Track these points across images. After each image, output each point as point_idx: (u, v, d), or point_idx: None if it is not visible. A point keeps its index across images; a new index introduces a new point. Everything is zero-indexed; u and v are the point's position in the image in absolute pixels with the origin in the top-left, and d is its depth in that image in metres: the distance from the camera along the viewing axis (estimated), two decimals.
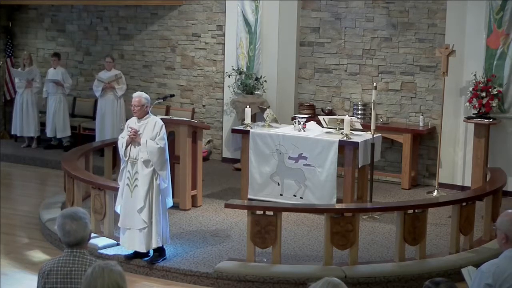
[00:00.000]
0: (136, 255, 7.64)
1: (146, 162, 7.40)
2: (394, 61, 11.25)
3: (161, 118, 8.28)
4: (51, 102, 12.95)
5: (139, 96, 7.53)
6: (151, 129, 7.46)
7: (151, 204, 7.44)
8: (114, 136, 11.49)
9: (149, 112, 7.58)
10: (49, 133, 13.07)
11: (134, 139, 7.41)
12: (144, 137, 7.42)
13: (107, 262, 3.62)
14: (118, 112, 12.30)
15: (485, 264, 4.29)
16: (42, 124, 13.38)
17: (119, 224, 7.67)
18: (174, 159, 9.23)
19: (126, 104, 12.43)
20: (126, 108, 12.39)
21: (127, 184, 7.51)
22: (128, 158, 7.50)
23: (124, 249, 7.76)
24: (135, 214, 7.43)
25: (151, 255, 7.65)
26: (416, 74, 11.13)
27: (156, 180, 7.46)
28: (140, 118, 7.52)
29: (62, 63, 13.25)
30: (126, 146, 7.48)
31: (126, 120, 12.23)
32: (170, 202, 7.77)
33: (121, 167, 7.67)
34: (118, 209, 7.71)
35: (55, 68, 12.99)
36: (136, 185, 7.46)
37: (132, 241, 7.54)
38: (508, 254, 4.25)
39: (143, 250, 7.51)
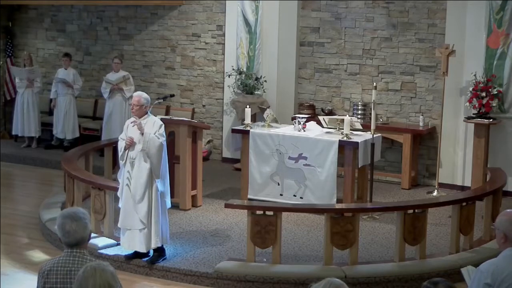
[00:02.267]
0: (136, 255, 7.64)
1: (144, 153, 7.38)
2: (394, 61, 11.25)
3: (161, 118, 8.30)
4: (62, 103, 12.94)
5: (138, 96, 7.55)
6: (150, 128, 7.46)
7: (150, 205, 7.44)
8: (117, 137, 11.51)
9: (148, 112, 7.58)
10: (59, 134, 13.06)
11: (139, 128, 7.41)
12: (143, 139, 7.43)
13: (99, 262, 3.62)
14: (126, 114, 12.26)
15: (484, 263, 4.28)
16: (43, 124, 13.39)
17: (119, 225, 7.68)
18: (174, 159, 9.23)
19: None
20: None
21: (127, 185, 7.52)
22: (126, 159, 7.50)
23: (124, 249, 7.76)
24: (135, 215, 7.44)
25: (151, 255, 7.65)
26: (416, 74, 11.13)
27: (155, 180, 7.46)
28: (139, 117, 7.53)
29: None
30: (124, 150, 7.49)
31: None
32: (168, 203, 7.77)
33: (121, 167, 7.69)
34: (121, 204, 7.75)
35: (66, 69, 12.98)
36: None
37: (132, 241, 7.55)
38: (507, 254, 4.25)
39: (143, 250, 7.52)
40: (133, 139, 7.44)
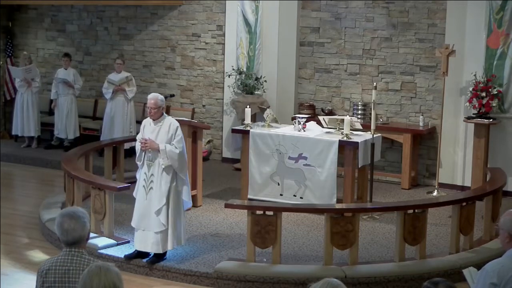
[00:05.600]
0: (137, 255, 7.63)
1: (167, 169, 7.37)
2: (394, 61, 11.25)
3: None
4: (63, 103, 12.94)
5: (155, 98, 7.46)
6: (166, 131, 7.43)
7: (168, 207, 7.44)
8: (116, 138, 11.51)
9: (164, 113, 7.55)
10: (61, 134, 13.05)
11: (148, 148, 7.39)
12: (160, 141, 7.39)
13: (103, 262, 3.62)
14: (128, 115, 12.27)
15: (489, 263, 4.27)
16: (43, 124, 13.39)
17: (132, 224, 7.66)
18: None
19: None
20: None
21: (143, 186, 7.50)
22: (144, 160, 7.49)
23: (135, 248, 7.72)
24: (152, 216, 7.42)
25: (151, 255, 7.63)
26: (416, 74, 11.13)
27: (173, 182, 7.46)
28: (156, 119, 7.49)
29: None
30: (141, 151, 7.48)
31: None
32: (189, 203, 7.82)
33: (139, 167, 7.66)
34: None
35: (66, 69, 12.98)
36: (151, 188, 7.45)
37: (145, 242, 7.52)
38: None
39: (158, 251, 7.49)
40: (147, 140, 7.37)
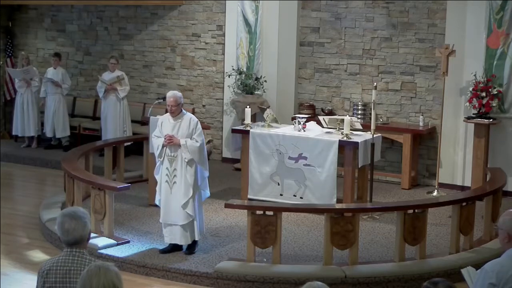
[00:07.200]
0: (173, 248, 7.77)
1: (191, 162, 7.56)
2: (394, 61, 11.25)
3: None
4: (50, 102, 12.96)
5: (174, 96, 7.64)
6: (187, 126, 7.59)
7: (194, 199, 7.63)
8: (116, 137, 11.52)
9: (183, 110, 7.68)
10: (48, 133, 13.08)
11: (171, 143, 7.53)
12: (180, 136, 7.56)
13: (103, 262, 3.62)
14: (120, 114, 12.24)
15: (488, 263, 4.27)
16: (43, 124, 13.39)
17: (160, 220, 7.82)
18: None
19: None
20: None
21: (166, 181, 7.66)
22: (164, 156, 7.63)
23: (165, 242, 7.85)
24: (178, 210, 7.60)
25: (185, 247, 7.78)
26: (416, 74, 11.13)
27: (196, 174, 7.64)
28: (176, 115, 7.63)
29: (62, 63, 13.24)
30: (162, 147, 7.62)
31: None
32: (207, 193, 7.96)
33: (157, 163, 7.81)
34: (157, 201, 7.90)
35: (55, 68, 12.98)
36: (175, 182, 7.62)
37: (174, 235, 7.71)
38: (511, 253, 4.24)
39: (188, 242, 7.70)
40: (171, 136, 7.50)
